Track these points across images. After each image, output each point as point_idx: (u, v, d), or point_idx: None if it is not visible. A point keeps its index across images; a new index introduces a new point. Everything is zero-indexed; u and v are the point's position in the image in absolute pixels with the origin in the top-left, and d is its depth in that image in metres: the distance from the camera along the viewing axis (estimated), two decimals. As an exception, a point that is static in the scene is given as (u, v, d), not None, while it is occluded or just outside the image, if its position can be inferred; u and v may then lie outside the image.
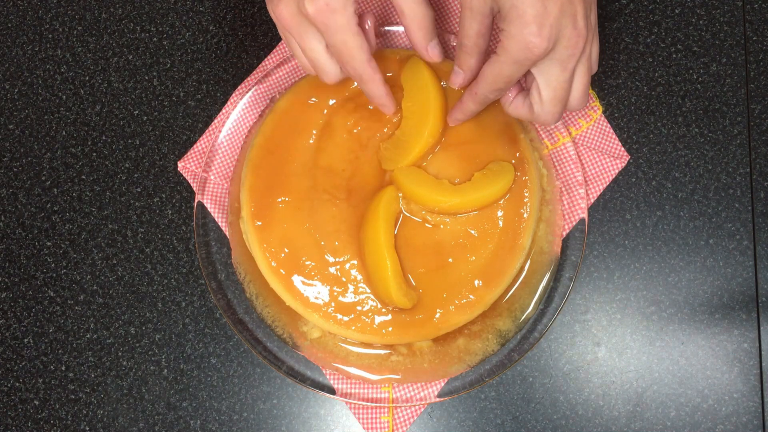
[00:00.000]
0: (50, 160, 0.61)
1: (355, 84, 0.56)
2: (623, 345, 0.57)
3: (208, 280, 0.56)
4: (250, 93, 0.59)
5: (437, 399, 0.54)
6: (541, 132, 0.58)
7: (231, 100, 0.60)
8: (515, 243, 0.54)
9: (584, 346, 0.57)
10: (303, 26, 0.47)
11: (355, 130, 0.55)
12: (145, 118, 0.61)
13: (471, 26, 0.46)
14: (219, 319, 0.58)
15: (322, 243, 0.53)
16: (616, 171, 0.59)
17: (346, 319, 0.52)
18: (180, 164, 0.60)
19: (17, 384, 0.58)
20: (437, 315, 0.53)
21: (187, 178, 0.60)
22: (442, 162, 0.55)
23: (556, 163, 0.58)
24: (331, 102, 0.56)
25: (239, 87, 0.61)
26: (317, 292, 0.53)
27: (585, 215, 0.56)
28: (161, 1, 0.63)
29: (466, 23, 0.46)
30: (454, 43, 0.59)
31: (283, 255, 0.53)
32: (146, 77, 0.62)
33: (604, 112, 0.60)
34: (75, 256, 0.59)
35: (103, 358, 0.58)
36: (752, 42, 0.62)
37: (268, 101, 0.59)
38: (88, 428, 0.57)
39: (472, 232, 0.54)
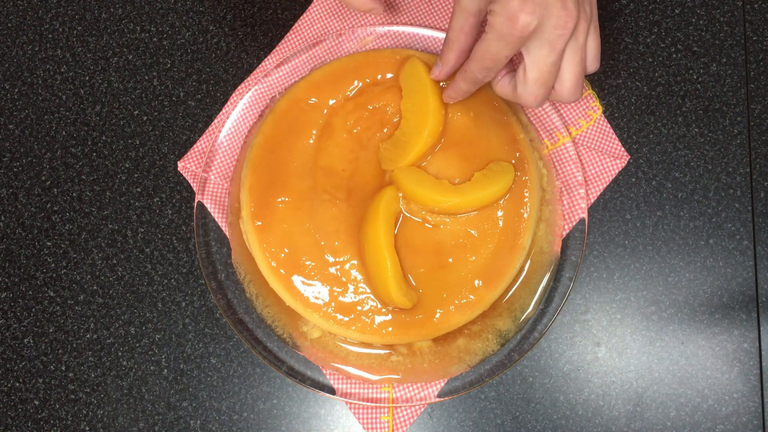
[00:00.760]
0: (50, 160, 0.61)
1: (355, 84, 0.56)
2: (623, 345, 0.57)
3: (208, 280, 0.56)
4: (250, 93, 0.59)
5: (437, 399, 0.54)
6: (541, 132, 0.58)
7: (231, 100, 0.60)
8: (515, 243, 0.54)
9: (584, 346, 0.57)
10: None
11: (355, 130, 0.55)
12: (145, 118, 0.61)
13: (456, 21, 0.48)
14: (219, 319, 0.58)
15: (322, 243, 0.53)
16: (616, 171, 0.59)
17: (346, 319, 0.52)
18: (180, 164, 0.60)
19: (17, 384, 0.58)
20: (437, 315, 0.53)
21: (187, 178, 0.60)
22: (442, 162, 0.55)
23: (556, 163, 0.58)
24: (331, 102, 0.56)
25: (239, 87, 0.61)
26: (317, 292, 0.53)
27: (585, 215, 0.56)
28: (161, 1, 0.63)
29: (453, 18, 0.48)
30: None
31: (283, 255, 0.53)
32: (146, 77, 0.62)
33: (604, 112, 0.60)
34: (75, 256, 0.59)
35: (103, 358, 0.58)
36: (752, 42, 0.62)
37: (268, 101, 0.59)
38: (88, 428, 0.57)
39: (472, 232, 0.54)
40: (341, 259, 0.53)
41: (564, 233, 0.57)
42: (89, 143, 0.61)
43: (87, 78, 0.62)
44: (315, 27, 0.61)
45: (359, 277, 0.53)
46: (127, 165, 0.61)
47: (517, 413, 0.57)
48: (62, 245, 0.60)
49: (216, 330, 0.58)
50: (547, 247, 0.56)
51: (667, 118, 0.61)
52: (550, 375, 0.57)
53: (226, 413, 0.57)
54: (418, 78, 0.54)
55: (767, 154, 0.60)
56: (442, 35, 0.59)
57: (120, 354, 0.58)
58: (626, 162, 0.60)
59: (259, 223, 0.53)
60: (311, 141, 0.55)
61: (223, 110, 0.60)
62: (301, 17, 0.62)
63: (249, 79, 0.61)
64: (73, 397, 0.57)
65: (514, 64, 0.51)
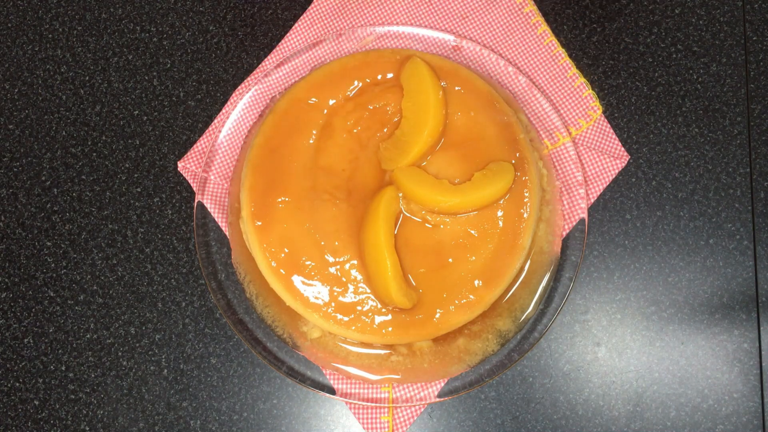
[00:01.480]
0: (50, 160, 0.61)
1: (355, 83, 0.56)
2: (623, 345, 0.57)
3: (208, 280, 0.56)
4: (250, 93, 0.59)
5: (437, 399, 0.54)
6: (541, 132, 0.58)
7: (231, 100, 0.60)
8: (515, 243, 0.54)
9: (584, 346, 0.57)
10: None
11: (355, 130, 0.55)
12: (145, 118, 0.61)
13: None
14: (219, 319, 0.58)
15: (322, 243, 0.53)
16: (616, 171, 0.59)
17: (346, 319, 0.52)
18: (180, 164, 0.60)
19: (17, 384, 0.58)
20: (437, 315, 0.53)
21: (187, 178, 0.60)
22: (442, 162, 0.55)
23: (556, 163, 0.58)
24: (331, 102, 0.56)
25: (239, 87, 0.61)
26: (317, 292, 0.53)
27: (585, 215, 0.56)
28: (161, 1, 0.63)
29: None
30: (454, 43, 0.59)
31: (283, 255, 0.53)
32: (146, 77, 0.62)
33: (604, 112, 0.60)
34: (75, 256, 0.59)
35: (103, 358, 0.58)
36: (752, 42, 0.62)
37: (268, 101, 0.59)
38: (88, 428, 0.57)
39: (472, 232, 0.54)
40: (341, 259, 0.53)
41: (564, 233, 0.57)
42: (89, 143, 0.61)
43: (87, 78, 0.62)
44: (315, 27, 0.61)
45: (359, 277, 0.53)
46: (127, 165, 0.61)
47: (517, 413, 0.57)
48: (62, 245, 0.60)
49: (216, 330, 0.58)
50: (547, 247, 0.56)
51: (667, 118, 0.61)
52: (550, 375, 0.57)
53: (226, 413, 0.57)
54: (420, 77, 0.54)
55: (767, 154, 0.60)
56: (442, 35, 0.59)
57: (120, 354, 0.58)
58: (626, 162, 0.60)
59: (259, 223, 0.53)
60: (311, 141, 0.55)
61: (223, 110, 0.60)
62: (301, 17, 0.62)
63: (249, 79, 0.61)
64: (73, 397, 0.57)
65: None
